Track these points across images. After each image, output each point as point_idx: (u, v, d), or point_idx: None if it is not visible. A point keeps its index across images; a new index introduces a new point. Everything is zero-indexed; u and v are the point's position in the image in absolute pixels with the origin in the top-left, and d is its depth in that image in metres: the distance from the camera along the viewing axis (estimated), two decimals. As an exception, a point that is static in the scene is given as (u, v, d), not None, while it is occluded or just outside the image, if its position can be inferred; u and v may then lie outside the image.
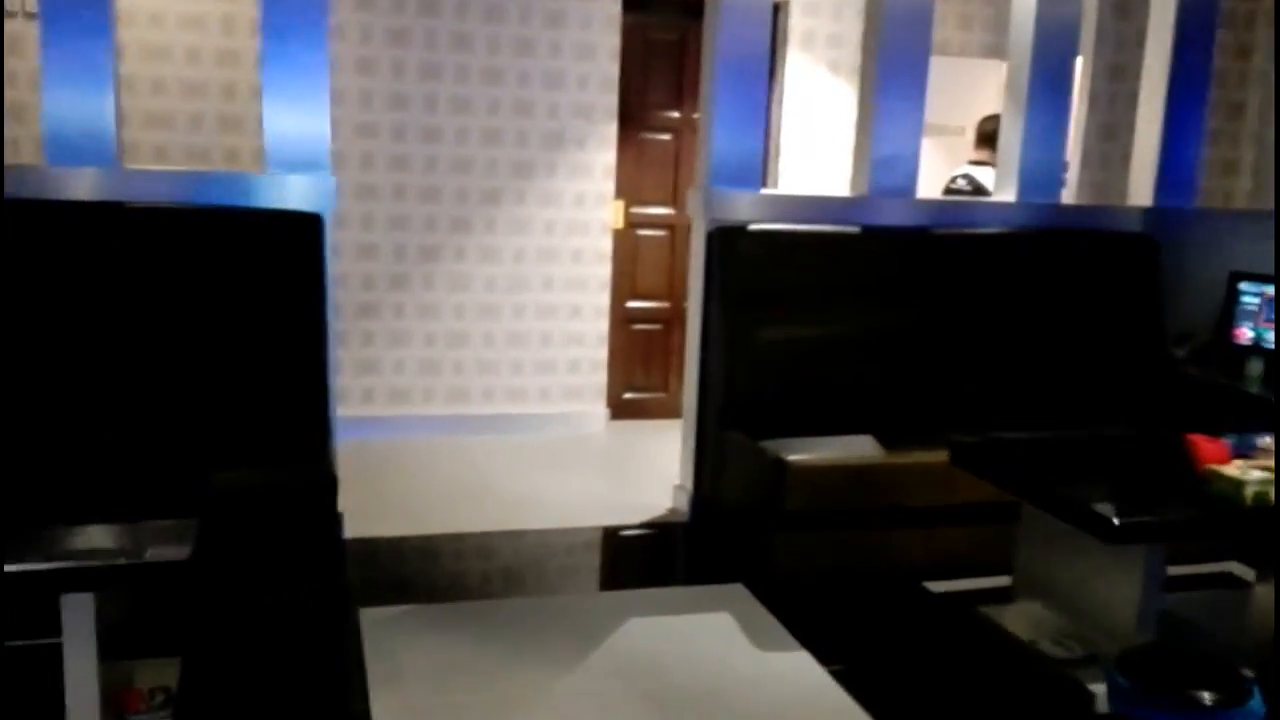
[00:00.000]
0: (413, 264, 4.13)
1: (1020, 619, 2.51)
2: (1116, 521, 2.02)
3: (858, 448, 2.85)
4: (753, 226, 3.14)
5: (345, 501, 2.85)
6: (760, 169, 3.43)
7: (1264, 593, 2.43)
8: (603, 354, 4.39)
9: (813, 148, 4.49)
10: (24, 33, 3.55)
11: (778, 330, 3.11)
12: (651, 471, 3.75)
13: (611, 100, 4.22)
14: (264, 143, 2.74)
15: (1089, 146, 4.47)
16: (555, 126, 4.18)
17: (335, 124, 3.15)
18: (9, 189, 2.44)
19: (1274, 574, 2.49)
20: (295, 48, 2.72)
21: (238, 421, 2.51)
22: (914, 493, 2.78)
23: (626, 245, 4.48)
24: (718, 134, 3.17)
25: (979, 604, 2.62)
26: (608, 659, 2.31)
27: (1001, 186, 3.60)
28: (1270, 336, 3.21)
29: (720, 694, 2.19)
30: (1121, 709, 1.90)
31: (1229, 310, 3.38)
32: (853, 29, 4.35)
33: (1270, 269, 3.11)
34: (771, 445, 2.78)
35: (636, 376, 4.60)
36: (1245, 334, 3.33)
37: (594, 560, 3.23)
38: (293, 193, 2.73)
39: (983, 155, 4.05)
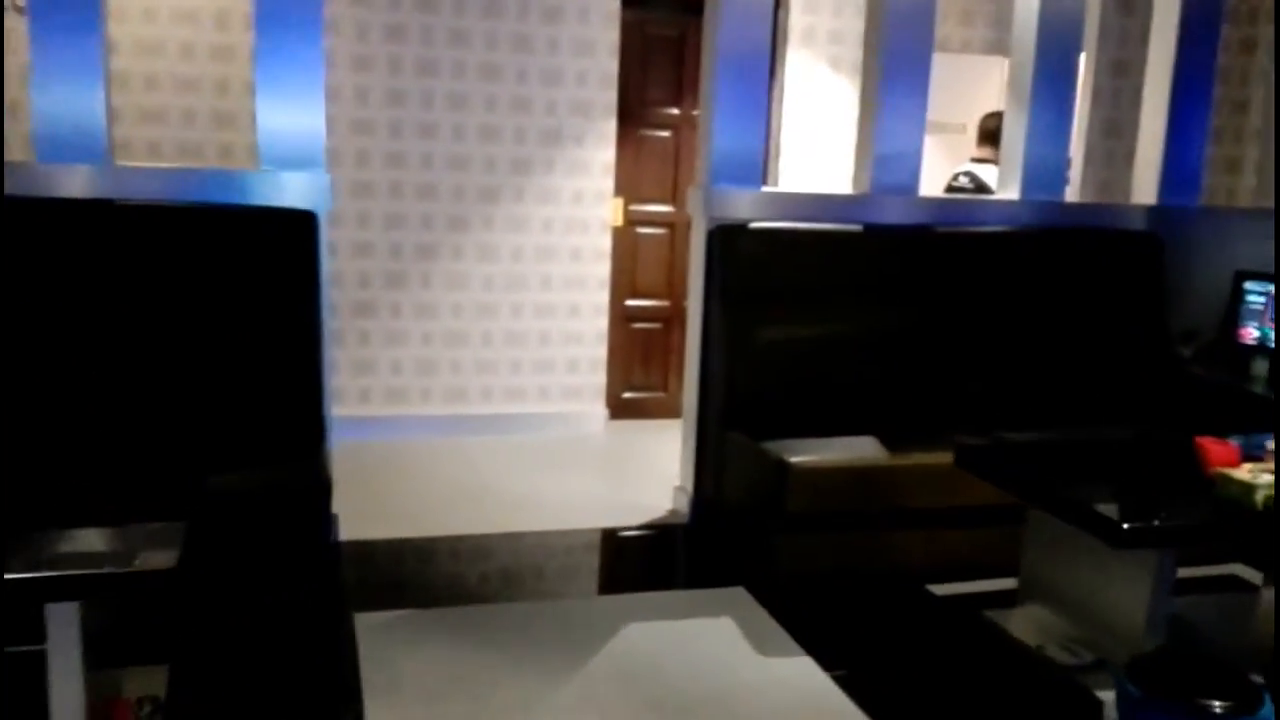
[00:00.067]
0: (410, 262, 4.09)
1: (1026, 623, 2.47)
2: (1125, 526, 1.99)
3: (860, 449, 2.82)
4: (753, 225, 3.11)
5: (341, 503, 2.82)
6: (761, 167, 3.39)
7: (1272, 597, 2.40)
8: (602, 353, 4.36)
9: (813, 145, 4.46)
10: (13, 27, 3.50)
11: (779, 329, 3.08)
12: (651, 472, 3.72)
13: (610, 97, 4.19)
14: (257, 139, 2.70)
15: (1092, 143, 4.43)
16: (553, 123, 4.14)
17: (330, 121, 3.11)
18: (-2, 186, 2.40)
19: (1274, 576, 2.46)
20: (289, 43, 2.69)
21: (231, 422, 2.47)
22: (917, 494, 2.75)
23: (626, 243, 4.44)
24: (718, 131, 3.14)
25: (983, 608, 2.59)
26: (608, 665, 2.28)
27: (1005, 184, 3.57)
28: (1276, 336, 3.18)
29: (722, 700, 2.15)
30: (1131, 717, 1.86)
31: (1234, 309, 3.35)
32: (853, 25, 4.32)
33: (1276, 268, 3.08)
34: (773, 446, 2.75)
35: (636, 376, 4.57)
36: (1250, 333, 3.30)
37: (593, 563, 3.19)
38: (287, 190, 2.69)
39: (985, 153, 4.02)
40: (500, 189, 4.14)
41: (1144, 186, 3.71)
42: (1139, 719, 1.85)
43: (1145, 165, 3.71)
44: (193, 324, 2.52)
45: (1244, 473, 2.15)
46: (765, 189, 3.47)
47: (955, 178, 4.07)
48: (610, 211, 4.30)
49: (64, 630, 1.61)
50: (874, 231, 3.25)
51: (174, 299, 2.53)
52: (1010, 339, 3.31)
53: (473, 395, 4.21)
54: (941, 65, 3.42)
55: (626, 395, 4.55)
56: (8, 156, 3.28)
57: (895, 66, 3.24)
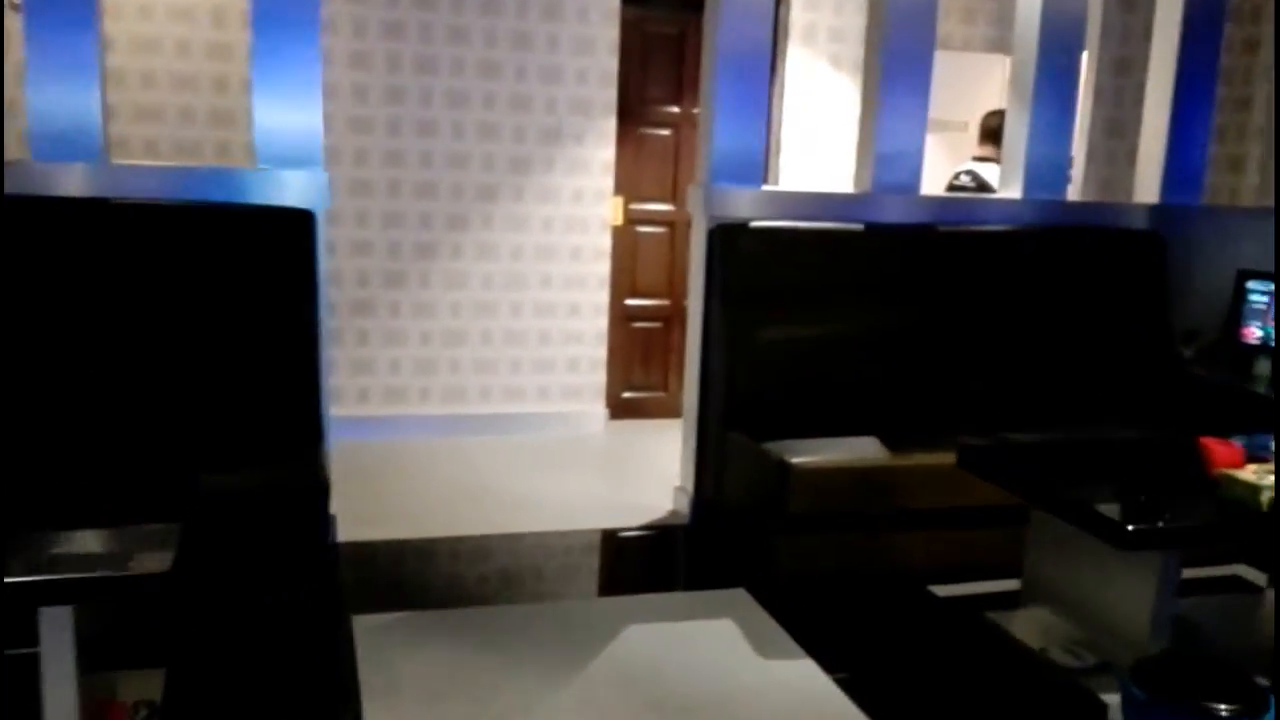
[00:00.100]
0: (408, 261, 4.07)
1: (1029, 625, 2.46)
2: (1130, 528, 1.98)
3: (862, 449, 2.80)
4: (754, 224, 3.09)
5: (339, 504, 2.80)
6: (762, 165, 3.38)
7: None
8: (602, 352, 4.34)
9: (813, 144, 4.44)
10: (8, 25, 3.47)
11: (780, 329, 3.06)
12: (651, 472, 3.71)
13: (610, 95, 4.17)
14: (254, 138, 2.68)
15: (1094, 142, 4.42)
16: (553, 121, 4.12)
17: (328, 119, 3.09)
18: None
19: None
20: (287, 40, 2.67)
21: (228, 422, 2.45)
22: (919, 495, 2.73)
23: (626, 242, 4.42)
24: (719, 130, 3.12)
25: (986, 609, 2.58)
26: (608, 667, 2.26)
27: (1007, 183, 3.55)
28: (1281, 336, 3.17)
29: (723, 703, 2.14)
30: (1136, 721, 1.85)
31: (1237, 309, 3.33)
32: (854, 23, 4.30)
33: (1280, 267, 3.06)
34: (774, 447, 2.73)
35: (636, 375, 4.56)
36: (1253, 333, 3.28)
37: (593, 564, 3.17)
38: (284, 189, 2.67)
39: (986, 151, 4.00)
40: (499, 187, 4.12)
41: (1146, 185, 3.69)
42: (1144, 723, 1.84)
43: (1147, 163, 3.69)
44: (189, 323, 2.50)
45: (1249, 474, 2.13)
46: (766, 188, 3.45)
47: (957, 176, 4.05)
48: (610, 210, 4.28)
49: (58, 634, 1.59)
50: (875, 230, 3.24)
51: (170, 298, 2.51)
52: (1012, 338, 3.29)
53: (472, 395, 4.19)
54: (943, 63, 3.40)
55: (626, 395, 4.54)
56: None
57: (897, 64, 3.22)
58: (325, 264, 2.81)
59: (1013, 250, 3.40)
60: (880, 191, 3.27)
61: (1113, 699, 2.07)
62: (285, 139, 2.69)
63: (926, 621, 2.65)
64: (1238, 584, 2.90)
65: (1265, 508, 2.06)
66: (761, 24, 3.12)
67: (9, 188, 2.42)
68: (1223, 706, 1.79)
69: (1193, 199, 3.67)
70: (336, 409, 3.62)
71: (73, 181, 2.53)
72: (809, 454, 2.69)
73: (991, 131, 3.95)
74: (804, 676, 2.25)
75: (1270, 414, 2.79)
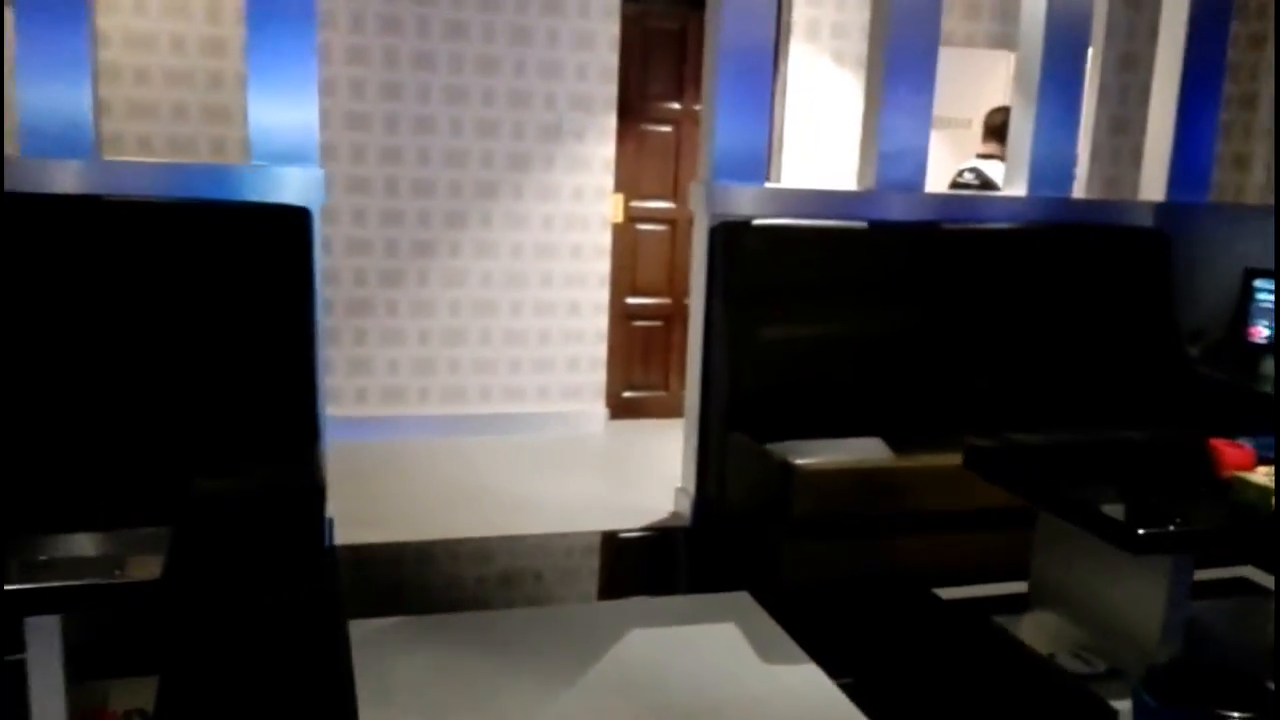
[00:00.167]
0: (406, 259, 4.03)
1: (1037, 630, 2.42)
2: (1141, 531, 1.94)
3: (866, 450, 2.77)
4: (757, 221, 3.06)
5: (337, 506, 2.77)
6: (764, 162, 3.34)
7: (1289, 602, 2.35)
8: (602, 351, 4.30)
9: (815, 141, 4.40)
10: None
11: (782, 328, 3.03)
12: (652, 473, 3.67)
13: (610, 91, 4.13)
14: (249, 134, 2.64)
15: (1099, 140, 4.38)
16: (553, 118, 4.08)
17: (325, 115, 3.06)
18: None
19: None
20: (282, 35, 2.63)
21: (222, 423, 2.42)
22: (925, 497, 2.70)
23: (626, 240, 4.39)
24: (721, 126, 3.09)
25: (992, 612, 2.54)
26: (608, 673, 2.23)
27: (1012, 180, 3.52)
28: (1288, 335, 3.14)
29: (726, 710, 2.10)
30: (1149, 729, 1.82)
31: (1243, 308, 3.31)
32: (857, 18, 4.26)
33: (1289, 266, 3.03)
34: (777, 448, 2.69)
35: (636, 374, 4.52)
36: (1260, 332, 3.25)
37: (593, 566, 3.14)
38: (280, 185, 2.63)
39: (990, 148, 3.97)
40: (499, 185, 4.08)
41: (1152, 183, 3.66)
42: (1157, 731, 1.80)
43: (1153, 161, 3.66)
44: (183, 323, 2.47)
45: (1261, 476, 2.10)
46: (768, 185, 3.41)
47: (960, 174, 4.01)
48: (610, 208, 4.24)
49: (45, 643, 1.55)
50: (879, 228, 3.20)
51: (163, 297, 2.47)
52: (1016, 337, 3.26)
53: (471, 395, 4.16)
54: (946, 59, 3.37)
55: (627, 394, 4.50)
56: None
57: (901, 60, 3.18)
58: (322, 262, 2.77)
59: (1017, 248, 3.36)
60: (884, 189, 3.24)
61: (1123, 705, 2.04)
62: (281, 135, 2.65)
63: (933, 626, 2.61)
64: (1245, 586, 2.87)
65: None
66: (764, 20, 3.09)
67: (-1, 184, 2.38)
68: (1236, 714, 1.76)
69: (1199, 197, 3.64)
70: (334, 409, 3.59)
71: (64, 178, 2.49)
72: (812, 455, 2.66)
73: (995, 128, 3.91)
74: (808, 682, 2.22)
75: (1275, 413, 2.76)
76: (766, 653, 2.35)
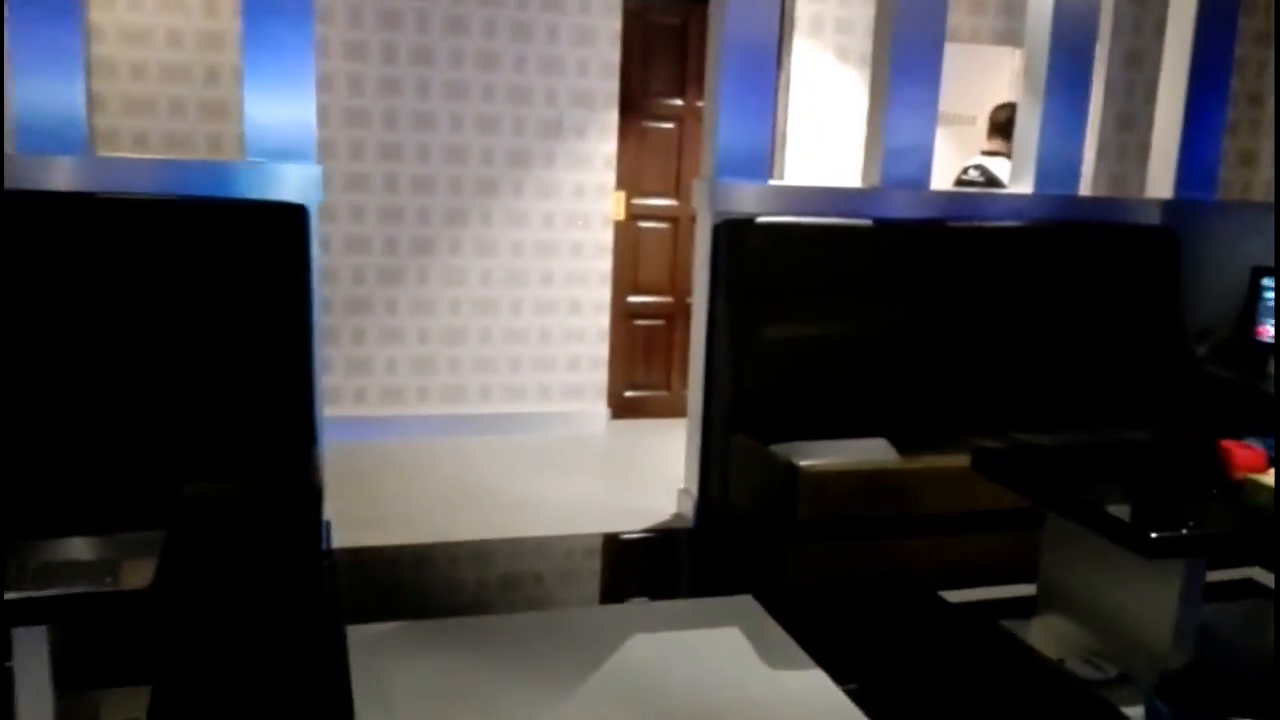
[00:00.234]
0: (406, 257, 3.99)
1: (1045, 634, 2.39)
2: (1154, 535, 1.91)
3: (871, 451, 2.73)
4: (760, 219, 3.02)
5: (335, 507, 2.73)
6: (768, 160, 3.30)
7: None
8: (603, 350, 4.26)
9: (819, 137, 4.36)
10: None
11: (786, 327, 2.99)
12: (654, 474, 3.64)
13: (612, 87, 4.09)
14: (244, 130, 2.60)
15: (1105, 137, 4.34)
16: (553, 114, 4.04)
17: (323, 111, 3.02)
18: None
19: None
20: (279, 29, 2.59)
21: (218, 424, 2.38)
22: (931, 499, 2.67)
23: (628, 238, 4.35)
24: (724, 123, 3.05)
25: (999, 616, 2.51)
26: (610, 679, 2.19)
27: (1018, 178, 3.48)
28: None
29: (729, 716, 2.07)
30: (1162, 737, 1.78)
31: (1251, 306, 3.27)
32: (861, 14, 4.22)
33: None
34: (782, 450, 2.66)
35: (638, 374, 4.48)
36: (1267, 331, 3.22)
37: (595, 569, 3.10)
38: (277, 182, 2.59)
39: (995, 145, 3.92)
40: (499, 182, 4.04)
41: (1159, 180, 3.62)
42: (1171, 740, 1.77)
43: (1160, 158, 3.62)
44: (178, 322, 2.43)
45: (1273, 479, 2.06)
46: (772, 182, 3.37)
47: (965, 171, 3.97)
48: (612, 205, 4.20)
49: (31, 653, 1.51)
50: (884, 226, 3.16)
51: (158, 296, 2.44)
52: (1022, 336, 3.23)
53: (471, 394, 4.12)
54: (951, 55, 3.32)
55: (629, 394, 4.46)
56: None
57: (907, 56, 3.14)
58: (320, 260, 2.73)
59: (1024, 247, 3.33)
60: (889, 186, 3.20)
61: (1135, 712, 2.01)
62: (278, 131, 2.61)
63: (939, 630, 2.58)
64: (1252, 588, 2.83)
65: (1293, 515, 1.99)
66: (767, 15, 3.05)
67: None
68: (1252, 723, 1.73)
69: (1207, 194, 3.60)
70: (333, 409, 3.55)
71: (57, 175, 2.45)
72: (817, 456, 2.62)
73: (1000, 125, 3.87)
74: (814, 687, 2.19)
75: (1285, 414, 2.73)
76: (771, 657, 2.31)
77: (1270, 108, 4.49)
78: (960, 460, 2.41)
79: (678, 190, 4.37)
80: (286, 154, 2.62)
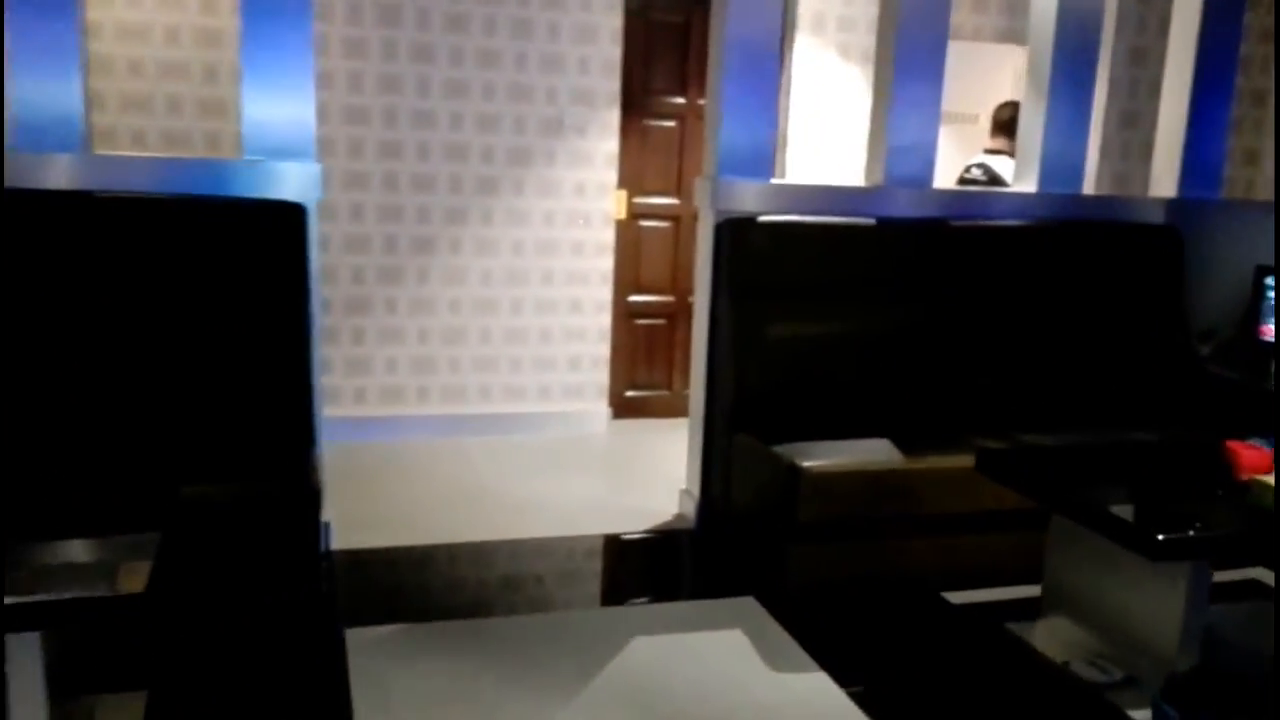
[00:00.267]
0: (405, 257, 3.97)
1: (1050, 637, 2.37)
2: (1160, 537, 1.89)
3: (875, 452, 2.72)
4: (762, 218, 3.00)
5: (334, 509, 2.71)
6: (771, 158, 3.28)
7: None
8: (604, 350, 4.25)
9: (822, 136, 4.34)
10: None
11: (788, 326, 2.98)
12: (656, 474, 3.62)
13: (613, 85, 4.07)
14: (242, 128, 2.58)
15: (1108, 135, 4.32)
16: (554, 112, 4.02)
17: (322, 108, 3.00)
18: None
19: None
20: (277, 26, 2.57)
21: (216, 425, 2.36)
22: (934, 499, 2.65)
23: (629, 237, 4.33)
24: (726, 121, 3.03)
25: (1003, 617, 2.49)
26: (612, 682, 2.18)
27: (1022, 176, 3.46)
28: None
29: (733, 719, 2.05)
30: (1170, 742, 1.77)
31: (1255, 306, 3.25)
32: (864, 11, 4.20)
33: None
34: (784, 450, 2.64)
35: (639, 373, 4.47)
36: (1271, 330, 3.19)
37: (596, 570, 3.09)
38: (275, 181, 2.58)
39: (998, 144, 3.91)
40: (499, 180, 4.02)
41: (1163, 179, 3.61)
42: (1178, 744, 1.75)
43: (1164, 157, 3.61)
44: (175, 322, 2.41)
45: None
46: (774, 181, 3.36)
47: (968, 169, 3.96)
48: (613, 204, 4.18)
49: (25, 660, 1.49)
50: (887, 225, 3.15)
51: (155, 295, 2.42)
52: (1026, 335, 3.22)
53: (471, 394, 4.10)
54: (954, 54, 3.31)
55: (630, 394, 4.45)
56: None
57: (910, 54, 3.13)
58: (318, 260, 2.71)
59: (1027, 245, 3.31)
60: (892, 185, 3.18)
61: (1142, 715, 1.99)
62: (276, 129, 2.60)
63: (943, 632, 2.56)
64: (1256, 589, 2.82)
65: (1301, 516, 1.97)
66: (772, 12, 3.03)
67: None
68: (1260, 727, 1.71)
69: (1211, 193, 3.59)
70: (332, 409, 3.53)
71: (54, 173, 2.43)
72: (820, 457, 2.61)
73: (1003, 123, 3.86)
74: (817, 690, 2.17)
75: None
76: (774, 660, 2.30)
77: (1274, 106, 4.47)
78: (964, 461, 2.40)
79: (679, 189, 4.35)
80: (285, 152, 2.60)
